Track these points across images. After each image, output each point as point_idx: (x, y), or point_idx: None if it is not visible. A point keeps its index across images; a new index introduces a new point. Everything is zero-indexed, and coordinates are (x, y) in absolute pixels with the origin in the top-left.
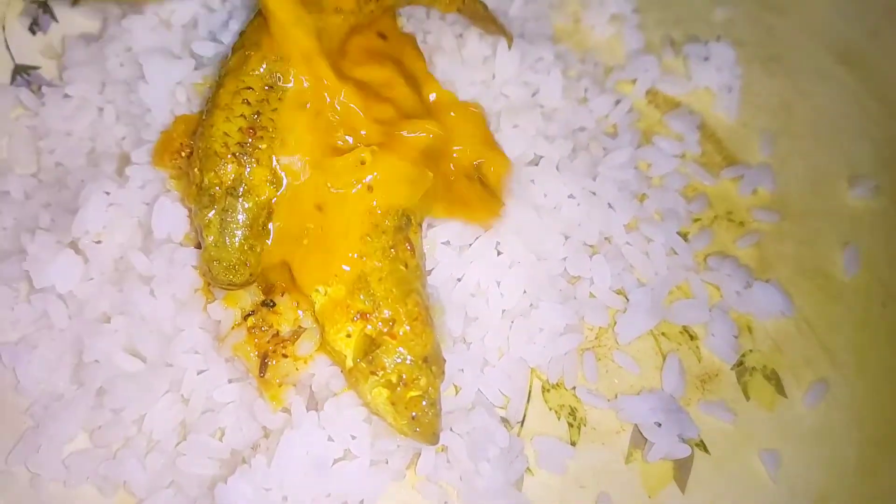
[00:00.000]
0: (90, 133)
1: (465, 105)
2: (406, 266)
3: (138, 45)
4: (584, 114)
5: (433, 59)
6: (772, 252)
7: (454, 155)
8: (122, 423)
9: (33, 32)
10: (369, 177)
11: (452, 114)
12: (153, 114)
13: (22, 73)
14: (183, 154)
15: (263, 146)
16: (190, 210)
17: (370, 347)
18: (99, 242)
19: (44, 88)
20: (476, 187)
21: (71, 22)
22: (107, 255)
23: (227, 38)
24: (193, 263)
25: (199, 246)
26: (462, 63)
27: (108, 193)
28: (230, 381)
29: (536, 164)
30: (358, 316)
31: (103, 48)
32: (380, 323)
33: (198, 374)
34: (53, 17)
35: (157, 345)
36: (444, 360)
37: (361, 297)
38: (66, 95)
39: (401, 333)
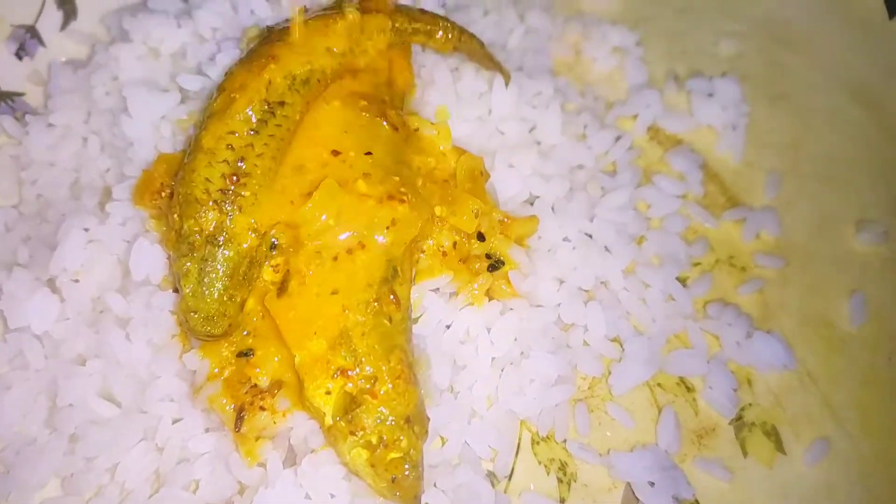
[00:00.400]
0: (74, 164)
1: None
2: (390, 320)
3: (125, 75)
4: (583, 151)
5: (426, 94)
6: (775, 300)
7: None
8: (94, 471)
9: (20, 58)
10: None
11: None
12: (136, 148)
13: (6, 99)
14: (163, 194)
15: (247, 193)
16: (169, 255)
17: (350, 406)
18: (77, 281)
19: (27, 116)
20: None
21: (59, 47)
22: (84, 295)
23: (214, 72)
24: (171, 308)
25: (178, 290)
26: (457, 98)
27: (87, 230)
28: (207, 431)
29: (532, 205)
30: (338, 373)
31: (90, 76)
32: (361, 380)
33: (173, 422)
34: (41, 42)
35: (133, 391)
36: (428, 419)
37: (343, 352)
38: (51, 124)
39: (382, 392)
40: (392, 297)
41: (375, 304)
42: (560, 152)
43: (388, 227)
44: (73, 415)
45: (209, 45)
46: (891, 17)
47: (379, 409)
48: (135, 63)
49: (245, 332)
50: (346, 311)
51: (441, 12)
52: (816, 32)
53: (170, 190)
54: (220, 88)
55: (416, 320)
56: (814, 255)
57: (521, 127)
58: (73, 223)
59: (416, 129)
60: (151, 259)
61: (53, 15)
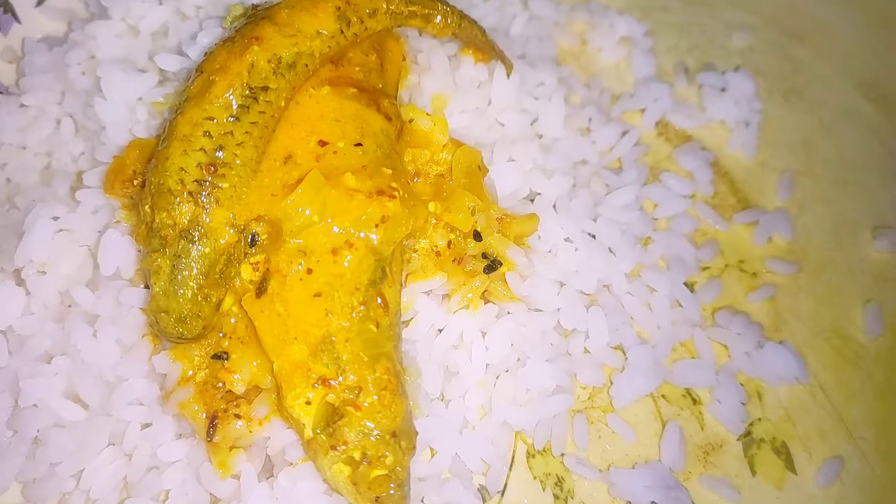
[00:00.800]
0: (46, 147)
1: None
2: (377, 326)
3: (102, 54)
4: (587, 145)
5: (422, 81)
6: (786, 308)
7: None
8: (58, 478)
9: None
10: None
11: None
12: (109, 132)
13: None
14: (135, 182)
15: (225, 185)
16: (140, 249)
17: (332, 418)
18: (43, 273)
19: None
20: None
21: (34, 23)
22: (51, 288)
23: (195, 52)
24: (142, 305)
25: (149, 286)
26: (455, 87)
27: (56, 219)
28: (178, 437)
29: (532, 201)
30: (320, 382)
31: (65, 55)
32: (344, 391)
33: (142, 428)
34: (16, 18)
35: (100, 392)
36: (416, 434)
37: (325, 360)
38: (23, 105)
39: (367, 404)
40: (380, 300)
41: (362, 308)
42: (563, 146)
43: (377, 225)
44: (37, 416)
45: (191, 24)
46: None
47: (363, 423)
48: (113, 41)
49: (221, 334)
50: (330, 315)
51: None
52: (830, 26)
53: (142, 178)
54: (199, 70)
55: (405, 324)
56: (827, 261)
57: (522, 119)
58: (41, 211)
59: (411, 120)
60: (122, 252)
61: None
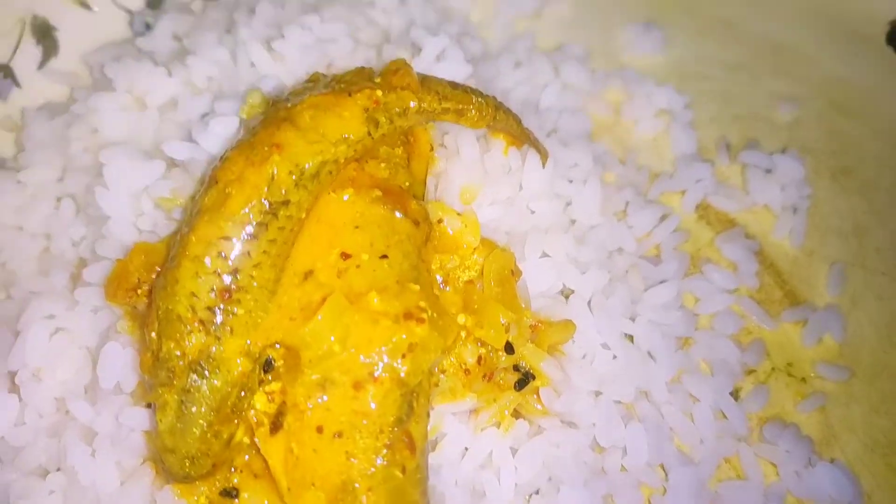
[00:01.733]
0: (44, 228)
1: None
2: (403, 471)
3: (105, 129)
4: (623, 231)
5: (449, 170)
6: (838, 419)
7: None
8: None
9: None
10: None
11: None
12: (111, 225)
13: None
14: (139, 292)
15: (240, 311)
16: (144, 378)
17: None
18: (39, 380)
19: None
20: None
21: (35, 88)
22: (47, 395)
23: (207, 141)
24: (144, 427)
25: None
26: (484, 173)
27: (53, 317)
28: None
29: (566, 298)
30: None
31: (67, 129)
32: None
33: None
34: (16, 83)
35: None
36: None
37: None
38: (20, 182)
39: None
40: (406, 439)
41: (386, 451)
42: (598, 234)
43: (404, 355)
44: None
45: (203, 99)
46: None
47: None
48: (117, 115)
49: (232, 469)
50: (352, 460)
51: (468, 69)
52: (879, 96)
53: (147, 287)
54: (213, 178)
55: (431, 445)
56: (881, 365)
57: (555, 205)
58: (38, 309)
59: (440, 221)
60: (122, 365)
61: (31, 52)
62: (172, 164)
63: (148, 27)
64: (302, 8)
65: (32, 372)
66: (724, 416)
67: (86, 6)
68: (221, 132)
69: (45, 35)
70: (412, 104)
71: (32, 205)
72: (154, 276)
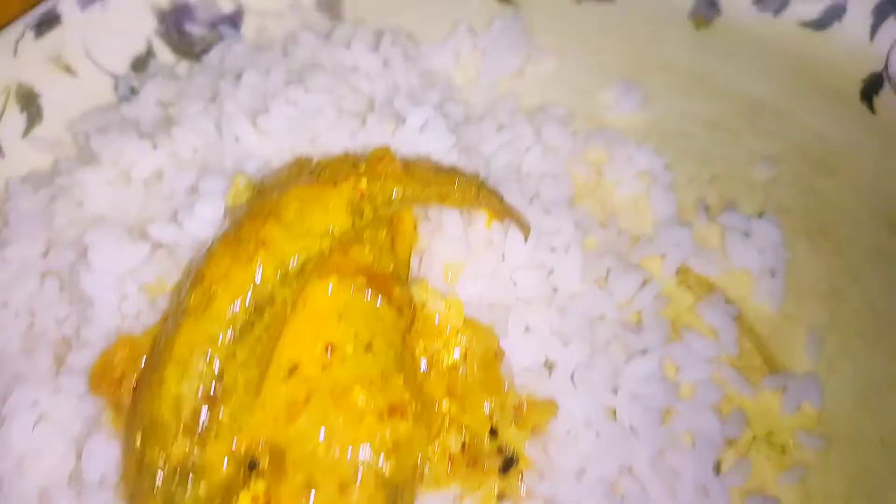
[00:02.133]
0: (28, 305)
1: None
2: None
3: (90, 204)
4: (605, 299)
5: (432, 246)
6: (818, 490)
7: None
8: None
9: None
10: None
11: None
12: (96, 309)
13: None
14: (123, 385)
15: (225, 414)
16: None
17: None
18: (22, 471)
19: None
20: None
21: (19, 157)
22: (30, 489)
23: (191, 224)
24: None
25: None
26: (467, 248)
27: (37, 403)
28: None
29: (549, 370)
30: None
31: (51, 202)
32: None
33: None
34: (0, 152)
35: None
36: None
37: None
38: (4, 259)
39: None
40: None
41: None
42: (580, 304)
43: (389, 453)
44: None
45: (188, 173)
46: None
47: None
48: (103, 189)
49: None
50: None
51: (451, 139)
52: (855, 153)
53: (131, 380)
54: (199, 276)
55: None
56: (858, 433)
57: (537, 275)
58: (21, 397)
59: (423, 305)
60: (107, 458)
61: (15, 118)
62: (158, 244)
63: (133, 91)
64: (286, 76)
65: (15, 462)
66: (706, 493)
67: (70, 71)
68: (207, 216)
69: (29, 102)
70: (396, 192)
71: (16, 281)
72: (138, 370)
